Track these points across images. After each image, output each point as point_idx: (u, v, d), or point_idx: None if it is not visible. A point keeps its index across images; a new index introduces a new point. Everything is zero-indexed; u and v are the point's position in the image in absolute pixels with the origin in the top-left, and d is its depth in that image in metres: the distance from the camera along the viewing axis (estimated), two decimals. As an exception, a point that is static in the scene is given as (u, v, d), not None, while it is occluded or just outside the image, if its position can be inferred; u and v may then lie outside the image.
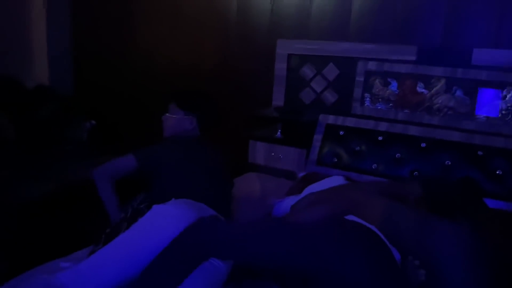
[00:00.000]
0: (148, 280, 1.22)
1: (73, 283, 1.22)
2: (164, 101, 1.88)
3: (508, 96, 2.00)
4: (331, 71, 2.43)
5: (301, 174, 2.22)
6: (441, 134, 2.05)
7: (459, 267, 1.06)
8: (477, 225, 1.24)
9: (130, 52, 3.18)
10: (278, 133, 2.48)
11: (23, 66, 3.18)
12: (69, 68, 3.40)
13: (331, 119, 2.32)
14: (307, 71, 2.50)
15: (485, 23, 2.10)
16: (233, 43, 2.80)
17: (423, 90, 2.17)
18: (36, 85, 3.09)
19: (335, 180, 1.80)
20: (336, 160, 2.22)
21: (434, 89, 2.15)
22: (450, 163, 1.97)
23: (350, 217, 1.34)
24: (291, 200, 1.65)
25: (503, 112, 2.02)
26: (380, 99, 2.29)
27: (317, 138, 2.31)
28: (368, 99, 2.31)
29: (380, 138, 2.16)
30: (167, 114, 1.85)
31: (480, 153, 1.95)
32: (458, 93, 2.10)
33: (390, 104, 2.26)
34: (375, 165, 2.12)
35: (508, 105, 2.01)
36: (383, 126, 2.18)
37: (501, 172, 1.89)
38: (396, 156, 2.09)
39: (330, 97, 2.46)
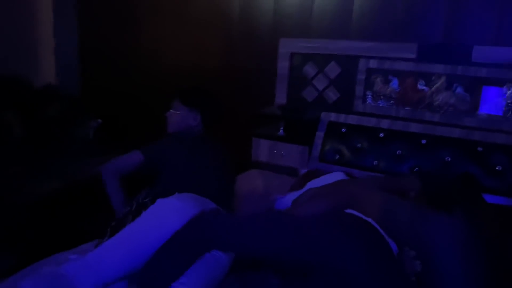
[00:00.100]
0: (152, 270, 1.26)
1: (80, 274, 1.25)
2: (168, 99, 1.91)
3: (508, 92, 2.02)
4: (333, 69, 2.45)
5: (303, 171, 2.25)
6: (441, 130, 2.07)
7: (454, 258, 1.08)
8: (473, 218, 1.26)
9: (135, 52, 3.23)
10: (281, 130, 2.50)
11: (31, 66, 3.23)
12: (76, 68, 3.45)
13: (333, 116, 2.35)
14: (309, 69, 2.52)
15: (485, 20, 2.10)
16: (236, 42, 2.83)
17: (424, 88, 2.19)
18: (44, 85, 3.16)
19: (336, 176, 1.82)
20: (338, 157, 2.25)
21: (435, 86, 2.17)
22: (450, 159, 1.99)
23: (349, 211, 1.37)
24: (292, 196, 1.67)
25: (504, 108, 2.03)
26: (381, 97, 2.31)
27: (319, 135, 2.34)
28: (369, 96, 2.34)
29: (381, 135, 2.18)
30: (171, 110, 1.87)
31: (480, 149, 1.96)
32: (459, 90, 2.11)
33: (391, 102, 2.29)
34: (376, 161, 2.15)
35: (509, 101, 2.02)
36: (384, 124, 2.20)
37: (501, 168, 1.91)
38: (397, 152, 2.11)
39: (332, 95, 2.48)
